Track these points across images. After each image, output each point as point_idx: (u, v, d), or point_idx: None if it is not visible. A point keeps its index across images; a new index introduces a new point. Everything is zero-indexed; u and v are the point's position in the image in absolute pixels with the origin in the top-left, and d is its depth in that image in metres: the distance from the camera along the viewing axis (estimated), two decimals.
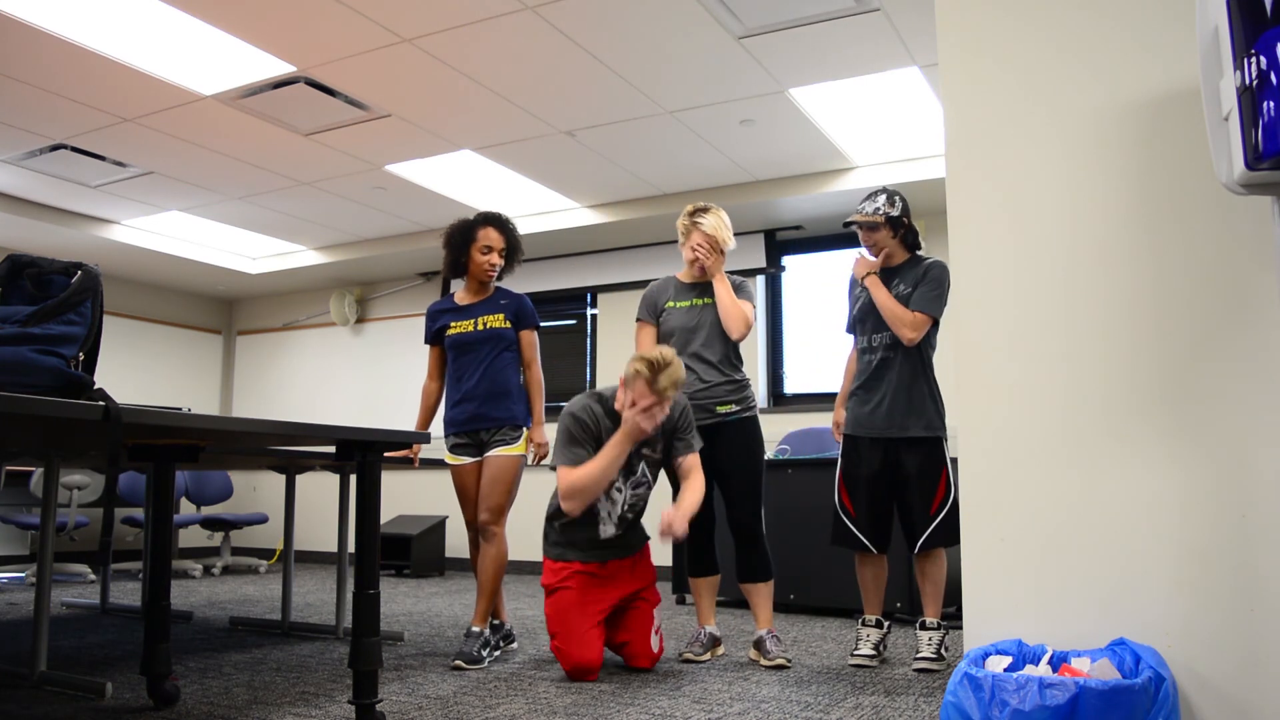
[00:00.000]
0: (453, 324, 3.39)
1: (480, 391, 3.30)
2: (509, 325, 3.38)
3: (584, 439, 2.95)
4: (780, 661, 3.09)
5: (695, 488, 2.99)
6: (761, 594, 3.25)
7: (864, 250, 3.33)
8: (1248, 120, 1.44)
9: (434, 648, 3.50)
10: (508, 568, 3.32)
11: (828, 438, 3.84)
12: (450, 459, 3.34)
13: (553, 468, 3.01)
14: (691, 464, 3.05)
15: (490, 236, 3.38)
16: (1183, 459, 1.94)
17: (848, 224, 3.30)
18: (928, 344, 3.19)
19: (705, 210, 3.35)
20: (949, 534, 2.96)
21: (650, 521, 3.07)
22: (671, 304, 3.38)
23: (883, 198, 3.24)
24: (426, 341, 3.48)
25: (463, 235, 3.39)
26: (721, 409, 3.27)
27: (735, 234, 3.42)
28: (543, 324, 3.59)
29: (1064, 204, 2.13)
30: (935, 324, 3.16)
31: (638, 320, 3.45)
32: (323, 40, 3.93)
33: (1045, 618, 2.02)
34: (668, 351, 2.89)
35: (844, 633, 3.88)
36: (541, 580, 3.13)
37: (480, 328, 3.35)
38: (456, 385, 3.36)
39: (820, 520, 3.91)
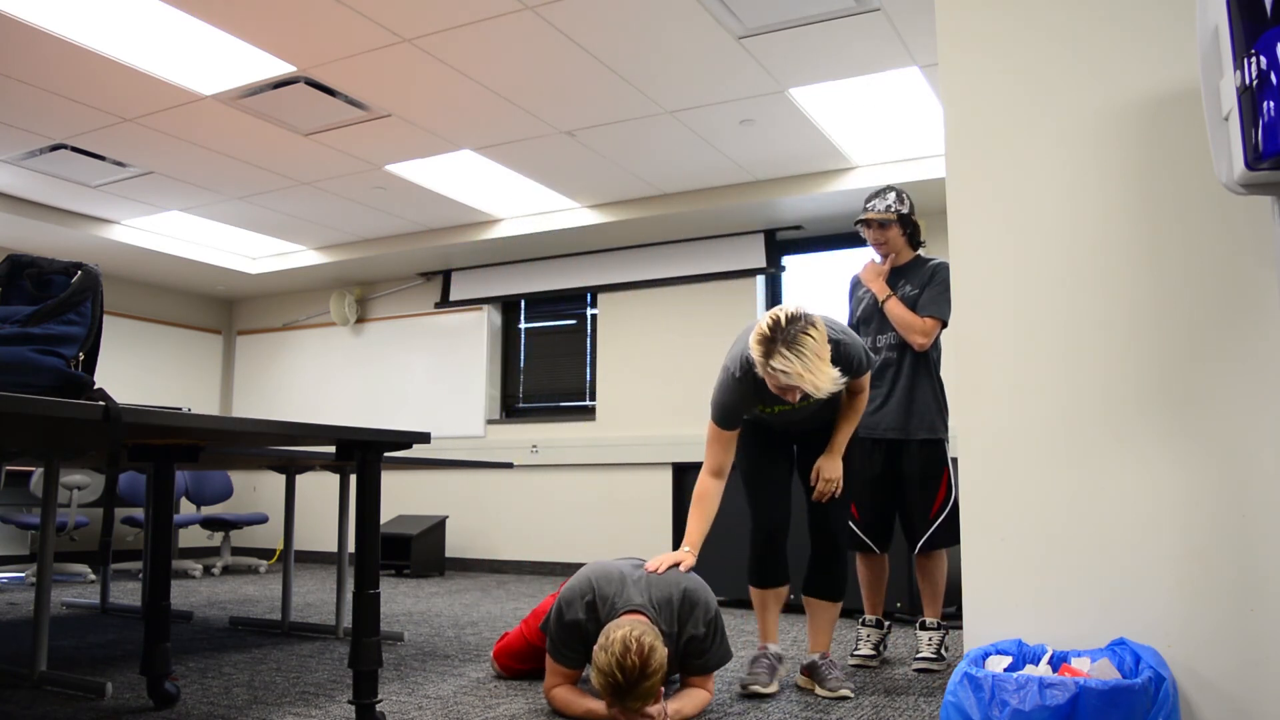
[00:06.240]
0: None
1: None
2: None
3: (574, 645, 2.48)
4: (844, 692, 2.64)
5: (695, 701, 2.44)
6: (829, 614, 2.85)
7: (872, 250, 3.32)
8: (1248, 120, 1.44)
9: (434, 648, 3.50)
10: (507, 567, 3.28)
11: None
12: None
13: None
14: (701, 682, 2.49)
15: None
16: (1183, 459, 1.94)
17: (859, 222, 3.27)
18: (934, 346, 3.18)
19: (784, 342, 2.34)
20: (950, 535, 2.95)
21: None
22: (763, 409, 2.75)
23: (892, 195, 3.22)
24: None
25: None
26: None
27: (735, 234, 3.21)
28: (542, 324, 3.45)
29: (1064, 204, 2.13)
30: (944, 326, 3.15)
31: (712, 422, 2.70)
32: (323, 40, 3.93)
33: (1045, 618, 2.02)
34: (634, 650, 2.16)
35: (844, 633, 3.88)
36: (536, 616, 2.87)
37: None
38: None
39: None
